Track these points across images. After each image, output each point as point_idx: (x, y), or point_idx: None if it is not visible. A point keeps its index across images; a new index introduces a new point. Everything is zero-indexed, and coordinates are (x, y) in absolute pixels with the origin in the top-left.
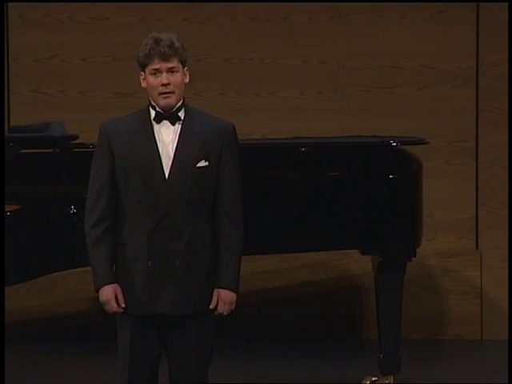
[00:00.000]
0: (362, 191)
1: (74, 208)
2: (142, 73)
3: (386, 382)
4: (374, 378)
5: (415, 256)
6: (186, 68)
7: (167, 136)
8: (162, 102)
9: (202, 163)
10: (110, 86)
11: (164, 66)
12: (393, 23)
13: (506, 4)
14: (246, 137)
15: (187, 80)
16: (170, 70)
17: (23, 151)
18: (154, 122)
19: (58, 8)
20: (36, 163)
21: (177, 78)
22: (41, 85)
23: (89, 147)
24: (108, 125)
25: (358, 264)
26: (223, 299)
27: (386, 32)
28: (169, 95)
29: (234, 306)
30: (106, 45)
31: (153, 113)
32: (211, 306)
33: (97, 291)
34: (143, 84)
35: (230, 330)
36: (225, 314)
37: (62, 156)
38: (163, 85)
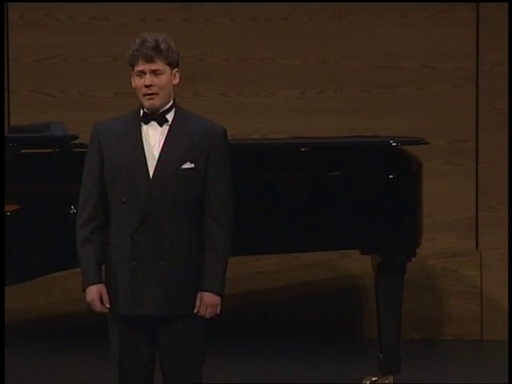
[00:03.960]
0: (362, 191)
1: (74, 208)
2: (132, 73)
3: (386, 382)
4: (374, 378)
5: (415, 256)
6: (177, 69)
7: (154, 137)
8: (146, 103)
9: (188, 165)
10: (110, 86)
11: (148, 67)
12: (393, 23)
13: (506, 4)
14: (245, 137)
15: (176, 81)
16: (154, 72)
17: (23, 151)
18: (142, 123)
19: (58, 8)
20: (36, 163)
21: (161, 80)
22: (41, 85)
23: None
24: (100, 125)
25: (358, 264)
26: (205, 302)
27: (386, 32)
28: (152, 97)
29: (217, 309)
30: (106, 45)
31: (141, 113)
32: (195, 310)
33: (84, 291)
34: (133, 84)
35: (230, 330)
36: (207, 316)
37: (62, 156)
38: (146, 86)
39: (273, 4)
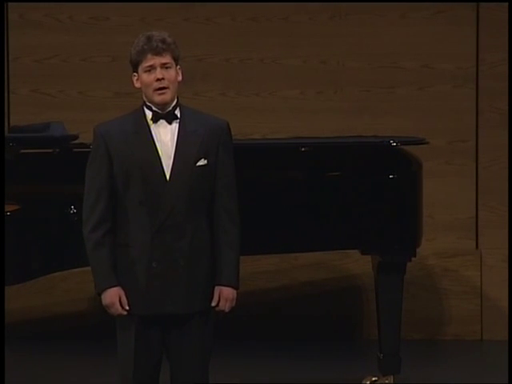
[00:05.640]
0: (362, 191)
1: (74, 208)
2: (135, 73)
3: (386, 382)
4: (374, 378)
5: (415, 256)
6: (179, 66)
7: (165, 135)
8: (158, 98)
9: (202, 162)
10: (110, 86)
11: (158, 61)
12: (393, 23)
13: (506, 4)
14: (245, 137)
15: (180, 78)
16: (164, 66)
17: (23, 151)
18: (150, 122)
19: (58, 8)
20: (36, 163)
21: (171, 73)
22: (41, 85)
23: (89, 147)
24: (103, 127)
25: (358, 264)
26: (225, 296)
27: (386, 32)
28: (164, 91)
29: (234, 302)
30: (106, 45)
31: (149, 113)
32: (213, 304)
33: (99, 294)
34: (137, 84)
35: (230, 330)
36: (226, 310)
37: (61, 156)
38: (158, 80)
39: (273, 4)
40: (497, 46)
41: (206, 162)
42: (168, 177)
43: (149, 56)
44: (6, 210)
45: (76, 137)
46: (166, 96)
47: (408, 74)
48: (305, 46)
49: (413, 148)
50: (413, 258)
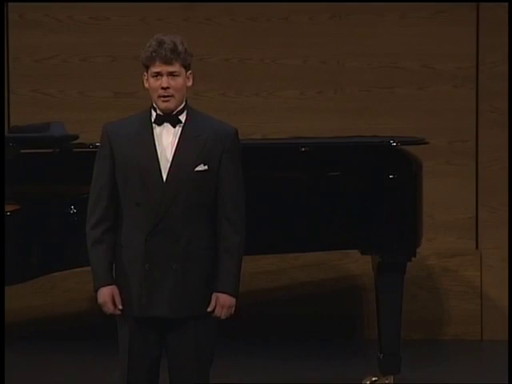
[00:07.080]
0: (362, 191)
1: (74, 208)
2: (145, 73)
3: (386, 382)
4: (374, 378)
5: (415, 256)
6: (190, 72)
7: (167, 138)
8: (161, 105)
9: (201, 167)
10: (110, 86)
11: (165, 69)
12: (393, 23)
13: (506, 4)
14: (245, 137)
15: (190, 83)
16: (171, 74)
17: (23, 151)
18: (154, 125)
19: (58, 8)
20: (36, 163)
21: (177, 82)
22: (41, 85)
23: (89, 147)
24: (111, 126)
25: (358, 264)
26: (221, 303)
27: (386, 32)
28: (168, 99)
29: (232, 310)
30: (106, 45)
31: (154, 115)
32: (209, 309)
33: (95, 292)
34: (146, 84)
35: (230, 330)
36: (222, 317)
37: (62, 156)
38: (163, 88)
39: (273, 4)
40: (497, 46)
41: (206, 167)
42: (164, 180)
43: (157, 63)
44: (6, 210)
45: (76, 137)
46: (170, 104)
47: (408, 74)
48: (305, 45)
49: (413, 148)
50: (413, 258)
